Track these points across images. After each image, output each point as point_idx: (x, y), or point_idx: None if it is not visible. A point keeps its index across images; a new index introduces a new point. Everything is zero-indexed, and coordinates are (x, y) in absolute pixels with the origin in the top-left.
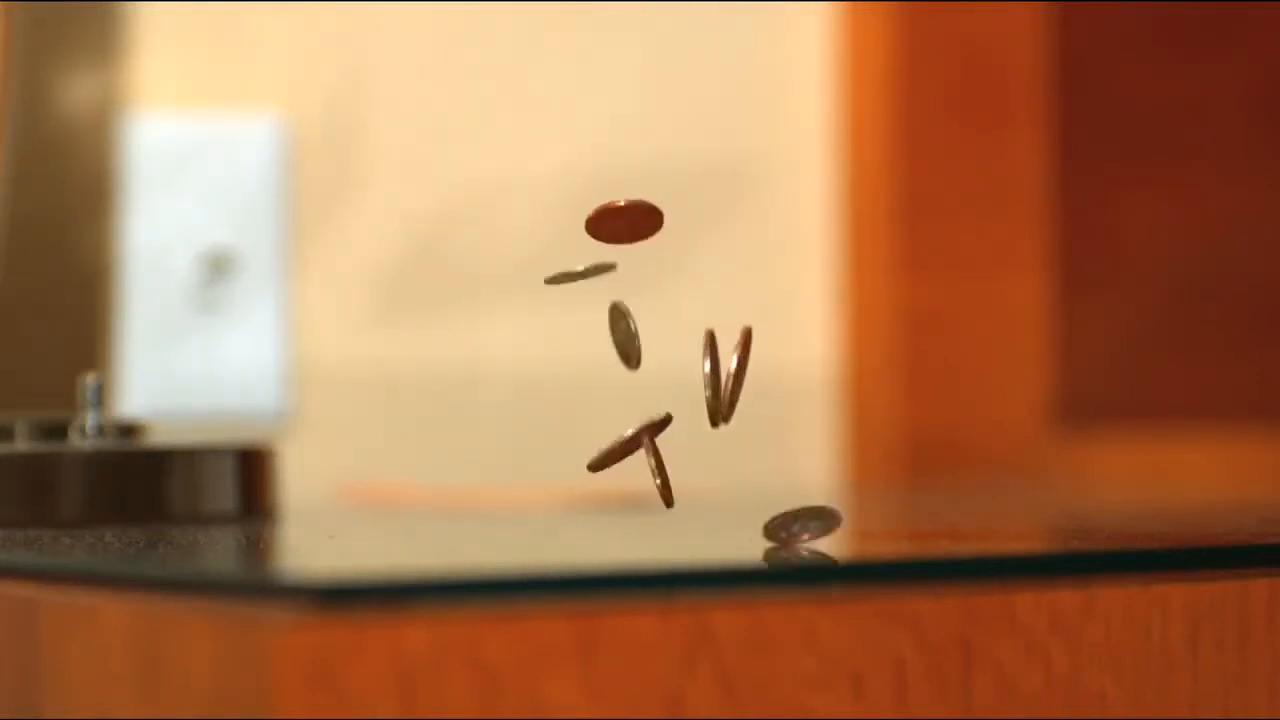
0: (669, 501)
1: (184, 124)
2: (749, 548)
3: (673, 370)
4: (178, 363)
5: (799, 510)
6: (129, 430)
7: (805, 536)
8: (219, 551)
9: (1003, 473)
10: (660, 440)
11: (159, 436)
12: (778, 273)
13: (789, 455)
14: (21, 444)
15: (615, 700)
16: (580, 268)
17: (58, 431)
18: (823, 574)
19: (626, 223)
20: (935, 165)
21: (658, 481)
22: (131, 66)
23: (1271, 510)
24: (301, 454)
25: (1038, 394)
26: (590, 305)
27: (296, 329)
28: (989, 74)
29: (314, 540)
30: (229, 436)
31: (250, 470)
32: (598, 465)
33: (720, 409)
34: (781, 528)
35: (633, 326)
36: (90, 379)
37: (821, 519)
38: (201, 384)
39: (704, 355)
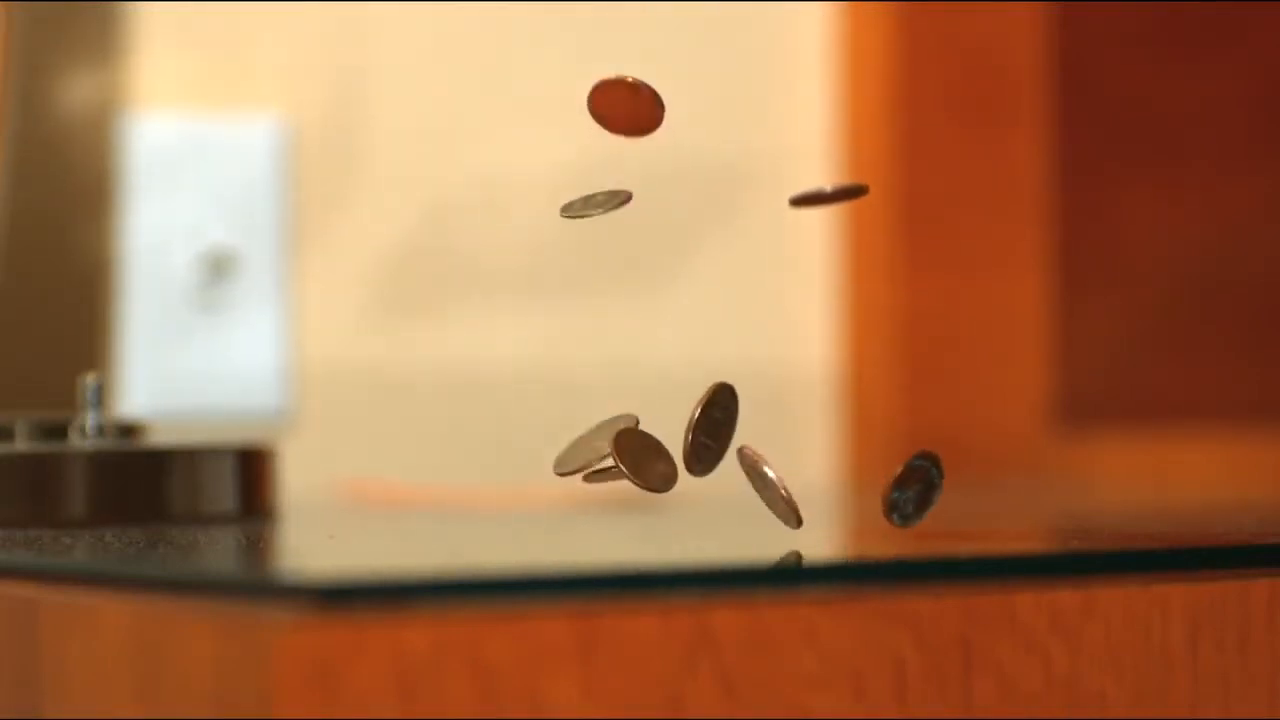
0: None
1: (184, 124)
2: (749, 547)
3: (673, 369)
4: (178, 363)
5: (917, 473)
6: (129, 430)
7: (909, 509)
8: (219, 551)
9: (1003, 473)
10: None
11: (159, 436)
12: (778, 272)
13: (789, 455)
14: (21, 444)
15: (615, 700)
16: (596, 195)
17: (58, 431)
18: (823, 574)
19: (628, 108)
20: (935, 165)
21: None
22: (131, 66)
23: (1271, 510)
24: (301, 454)
25: (1038, 394)
26: (591, 305)
27: (296, 329)
28: (989, 74)
29: (314, 540)
30: (229, 436)
31: (250, 470)
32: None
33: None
34: (902, 484)
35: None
36: (90, 379)
37: (930, 494)
38: (201, 384)
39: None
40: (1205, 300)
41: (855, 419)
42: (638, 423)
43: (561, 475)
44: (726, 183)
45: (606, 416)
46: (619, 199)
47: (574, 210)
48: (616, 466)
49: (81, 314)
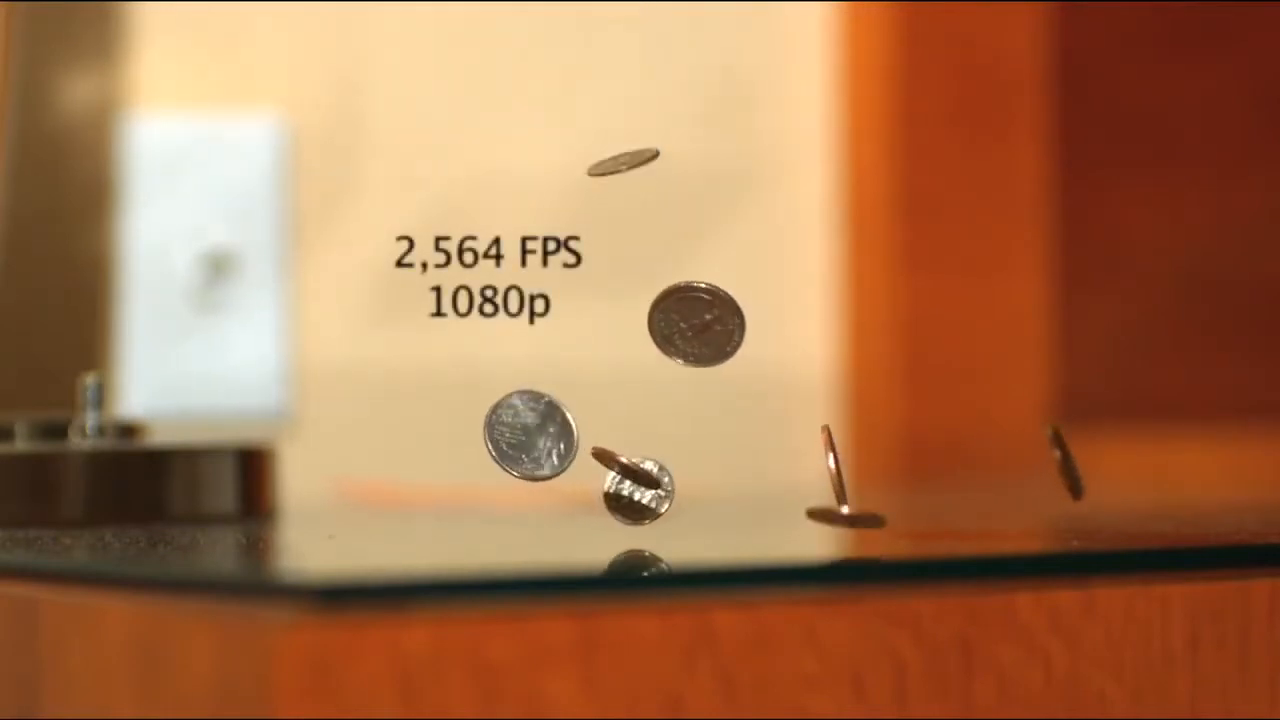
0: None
1: (184, 124)
2: (749, 547)
3: (673, 369)
4: (178, 363)
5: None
6: (129, 430)
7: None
8: (219, 551)
9: (1003, 473)
10: (658, 441)
11: (159, 436)
12: (778, 273)
13: (789, 455)
14: (21, 444)
15: (615, 700)
16: (621, 155)
17: (58, 431)
18: (823, 574)
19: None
20: (935, 165)
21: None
22: (131, 66)
23: (1272, 510)
24: (301, 454)
25: (1038, 394)
26: (591, 305)
27: (296, 329)
28: (989, 74)
29: (314, 540)
30: (229, 436)
31: (250, 470)
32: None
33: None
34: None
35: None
36: (90, 379)
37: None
38: (201, 384)
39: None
40: (1205, 300)
41: (855, 419)
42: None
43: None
44: (727, 183)
45: (605, 416)
46: (645, 156)
47: (602, 168)
48: (625, 469)
49: (81, 314)
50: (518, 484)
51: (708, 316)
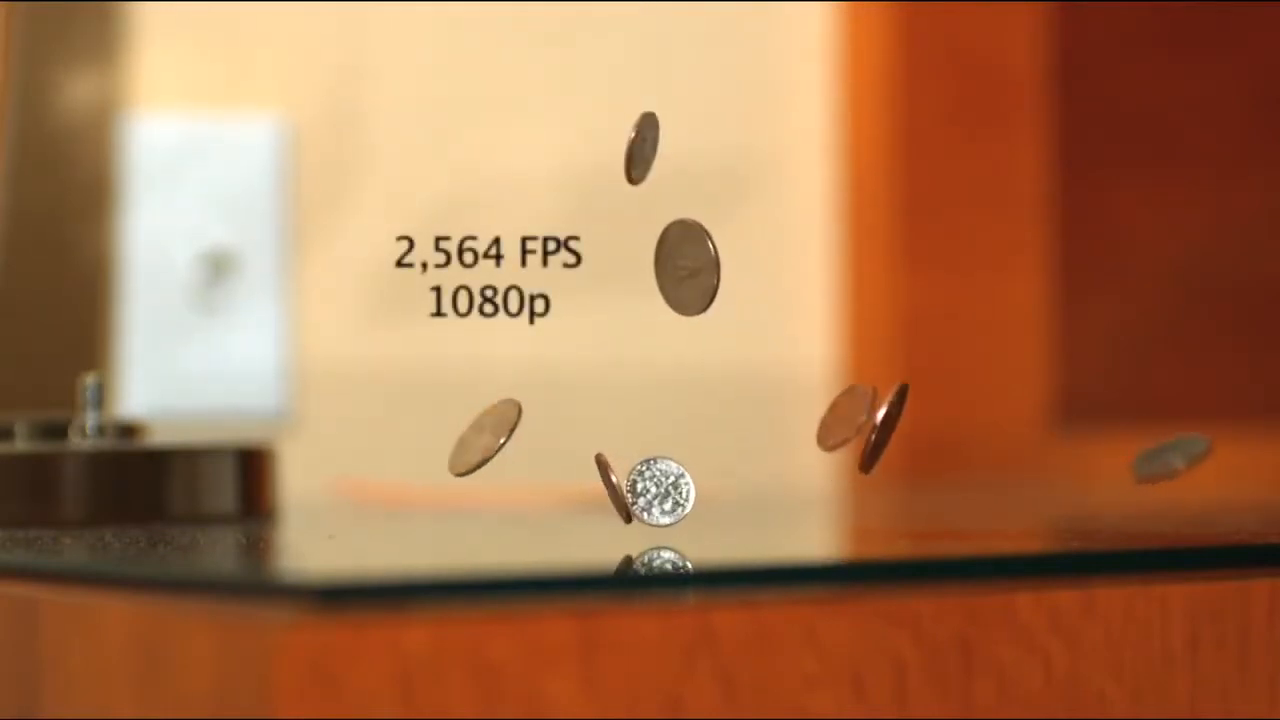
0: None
1: (184, 124)
2: (750, 547)
3: (672, 369)
4: (178, 363)
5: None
6: (129, 430)
7: (1177, 465)
8: (219, 551)
9: (1003, 473)
10: (658, 440)
11: (159, 436)
12: (778, 273)
13: (789, 455)
14: (21, 444)
15: (615, 700)
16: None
17: (58, 431)
18: (823, 574)
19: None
20: (935, 165)
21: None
22: (131, 66)
23: (1272, 510)
24: (301, 454)
25: (1038, 394)
26: (591, 305)
27: (296, 329)
28: (989, 74)
29: (314, 540)
30: (229, 436)
31: (250, 470)
32: None
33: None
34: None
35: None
36: (90, 379)
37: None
38: (201, 384)
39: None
40: (1205, 300)
41: None
42: (519, 409)
43: (460, 475)
44: (726, 183)
45: (605, 417)
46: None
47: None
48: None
49: (81, 314)
50: (517, 484)
51: (700, 263)
